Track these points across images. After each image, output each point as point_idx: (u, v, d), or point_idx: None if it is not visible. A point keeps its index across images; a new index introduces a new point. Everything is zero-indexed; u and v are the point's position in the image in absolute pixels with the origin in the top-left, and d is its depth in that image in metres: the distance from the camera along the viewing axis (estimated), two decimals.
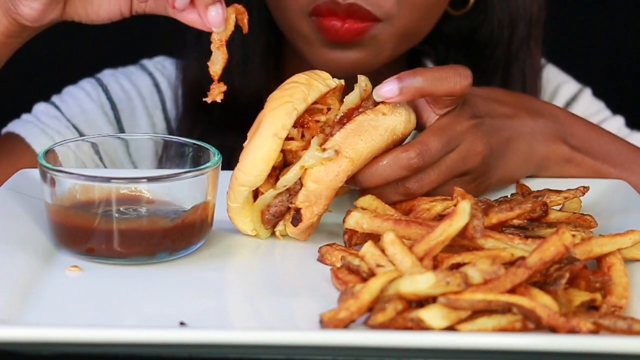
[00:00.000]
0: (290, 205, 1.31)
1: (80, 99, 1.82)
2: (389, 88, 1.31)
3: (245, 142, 1.31)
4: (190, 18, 1.37)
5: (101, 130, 1.80)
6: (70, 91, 1.85)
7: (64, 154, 1.35)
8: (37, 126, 1.76)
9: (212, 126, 1.77)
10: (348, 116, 1.32)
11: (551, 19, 1.83)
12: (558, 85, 1.95)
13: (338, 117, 1.33)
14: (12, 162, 1.67)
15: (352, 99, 1.34)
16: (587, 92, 1.95)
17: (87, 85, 1.85)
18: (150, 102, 1.86)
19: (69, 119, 1.79)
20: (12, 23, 1.43)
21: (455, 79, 1.33)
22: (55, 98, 1.84)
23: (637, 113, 2.05)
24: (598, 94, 1.98)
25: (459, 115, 1.37)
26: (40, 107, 1.82)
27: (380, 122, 1.31)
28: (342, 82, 1.36)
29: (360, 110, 1.33)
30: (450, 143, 1.35)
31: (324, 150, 1.29)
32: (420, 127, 1.39)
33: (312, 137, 1.30)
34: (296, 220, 1.31)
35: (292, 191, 1.31)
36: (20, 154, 1.72)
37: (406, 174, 1.33)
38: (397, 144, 1.35)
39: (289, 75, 1.47)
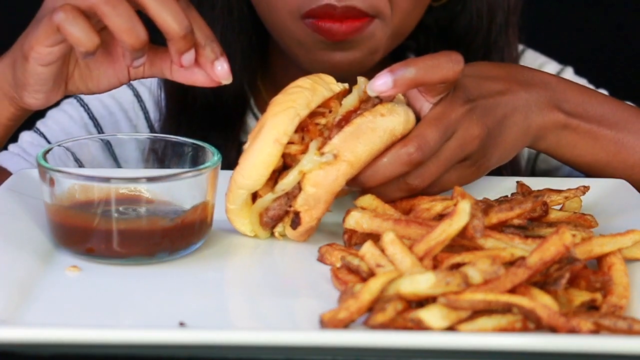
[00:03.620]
0: (288, 209, 1.31)
1: (63, 122, 1.84)
2: (382, 81, 1.29)
3: (246, 145, 1.30)
4: (194, 78, 1.40)
5: (89, 150, 1.81)
6: (53, 115, 1.88)
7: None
8: (24, 159, 1.79)
9: (194, 128, 1.77)
10: (346, 119, 1.31)
11: (539, 12, 1.83)
12: (539, 66, 1.93)
13: (336, 120, 1.31)
14: None
15: (350, 101, 1.32)
16: (569, 70, 1.95)
17: (68, 107, 1.87)
18: (132, 114, 1.88)
19: None
20: (18, 109, 1.47)
21: (448, 65, 1.31)
22: (39, 124, 1.86)
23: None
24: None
25: (452, 102, 1.35)
26: (25, 137, 1.84)
27: (378, 123, 1.30)
28: (346, 86, 1.35)
29: (359, 112, 1.32)
30: (447, 132, 1.34)
31: (322, 154, 1.28)
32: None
33: (311, 141, 1.30)
34: (295, 223, 1.30)
35: (291, 195, 1.30)
36: None
37: (407, 170, 1.32)
38: None
39: (276, 74, 1.46)
